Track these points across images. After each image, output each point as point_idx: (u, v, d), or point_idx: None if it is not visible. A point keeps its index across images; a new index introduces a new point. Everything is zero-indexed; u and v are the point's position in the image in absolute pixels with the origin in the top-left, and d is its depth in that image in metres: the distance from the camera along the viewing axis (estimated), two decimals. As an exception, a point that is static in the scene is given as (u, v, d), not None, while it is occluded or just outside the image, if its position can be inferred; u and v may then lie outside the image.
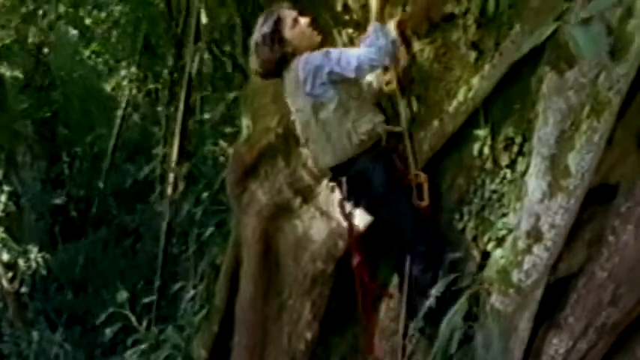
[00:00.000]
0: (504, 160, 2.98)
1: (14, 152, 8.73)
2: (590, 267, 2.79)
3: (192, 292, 4.45)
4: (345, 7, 3.37)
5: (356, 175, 3.08)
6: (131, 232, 8.61)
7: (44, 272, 6.95)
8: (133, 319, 5.13)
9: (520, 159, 2.94)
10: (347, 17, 3.37)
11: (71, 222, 9.06)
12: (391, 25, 3.04)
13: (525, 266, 2.79)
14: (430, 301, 2.94)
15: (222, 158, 6.00)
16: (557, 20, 2.36)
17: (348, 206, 3.16)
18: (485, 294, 3.01)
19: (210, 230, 4.44)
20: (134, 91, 8.86)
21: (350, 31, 3.36)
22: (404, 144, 3.06)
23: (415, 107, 3.02)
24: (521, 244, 2.80)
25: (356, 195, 3.14)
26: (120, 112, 9.29)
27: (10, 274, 6.90)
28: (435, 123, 2.96)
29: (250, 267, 3.72)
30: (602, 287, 2.76)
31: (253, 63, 3.20)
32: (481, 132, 2.85)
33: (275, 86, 3.61)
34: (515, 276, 2.82)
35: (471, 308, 3.00)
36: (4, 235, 6.89)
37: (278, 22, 3.08)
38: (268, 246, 3.69)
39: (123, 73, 9.10)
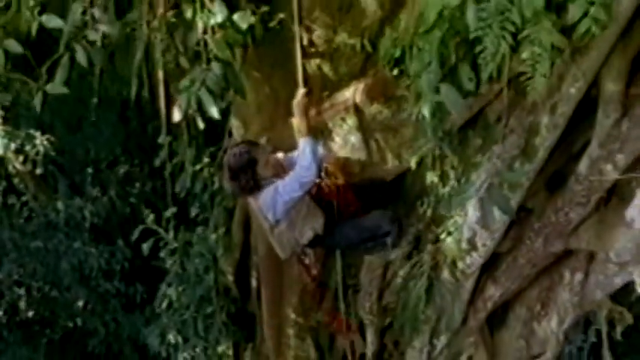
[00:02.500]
0: (451, 176, 3.81)
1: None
2: (514, 253, 3.87)
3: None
4: (311, 41, 3.80)
5: None
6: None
7: (53, 154, 7.13)
8: (162, 232, 6.16)
9: (463, 179, 3.77)
10: (313, 50, 3.82)
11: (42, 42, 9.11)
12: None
13: (467, 261, 3.85)
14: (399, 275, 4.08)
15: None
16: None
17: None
18: (442, 261, 4.12)
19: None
20: None
21: (317, 61, 3.84)
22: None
23: (375, 148, 3.73)
24: (464, 245, 3.82)
25: None
26: None
27: (21, 158, 7.11)
28: (396, 162, 3.72)
29: (260, 232, 4.71)
30: (522, 267, 3.87)
31: (225, 180, 3.77)
32: (430, 173, 3.65)
33: (258, 98, 4.20)
34: (460, 266, 3.89)
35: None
36: (4, 127, 7.30)
37: (252, 164, 3.57)
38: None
39: None
